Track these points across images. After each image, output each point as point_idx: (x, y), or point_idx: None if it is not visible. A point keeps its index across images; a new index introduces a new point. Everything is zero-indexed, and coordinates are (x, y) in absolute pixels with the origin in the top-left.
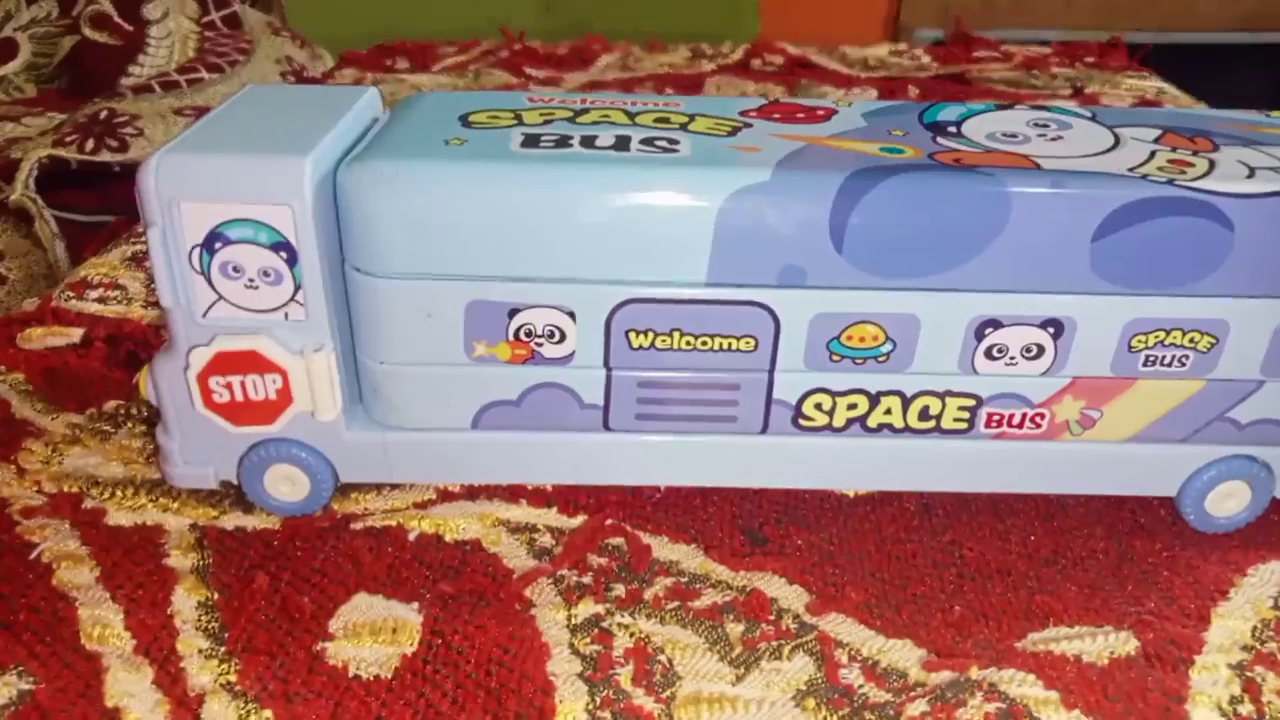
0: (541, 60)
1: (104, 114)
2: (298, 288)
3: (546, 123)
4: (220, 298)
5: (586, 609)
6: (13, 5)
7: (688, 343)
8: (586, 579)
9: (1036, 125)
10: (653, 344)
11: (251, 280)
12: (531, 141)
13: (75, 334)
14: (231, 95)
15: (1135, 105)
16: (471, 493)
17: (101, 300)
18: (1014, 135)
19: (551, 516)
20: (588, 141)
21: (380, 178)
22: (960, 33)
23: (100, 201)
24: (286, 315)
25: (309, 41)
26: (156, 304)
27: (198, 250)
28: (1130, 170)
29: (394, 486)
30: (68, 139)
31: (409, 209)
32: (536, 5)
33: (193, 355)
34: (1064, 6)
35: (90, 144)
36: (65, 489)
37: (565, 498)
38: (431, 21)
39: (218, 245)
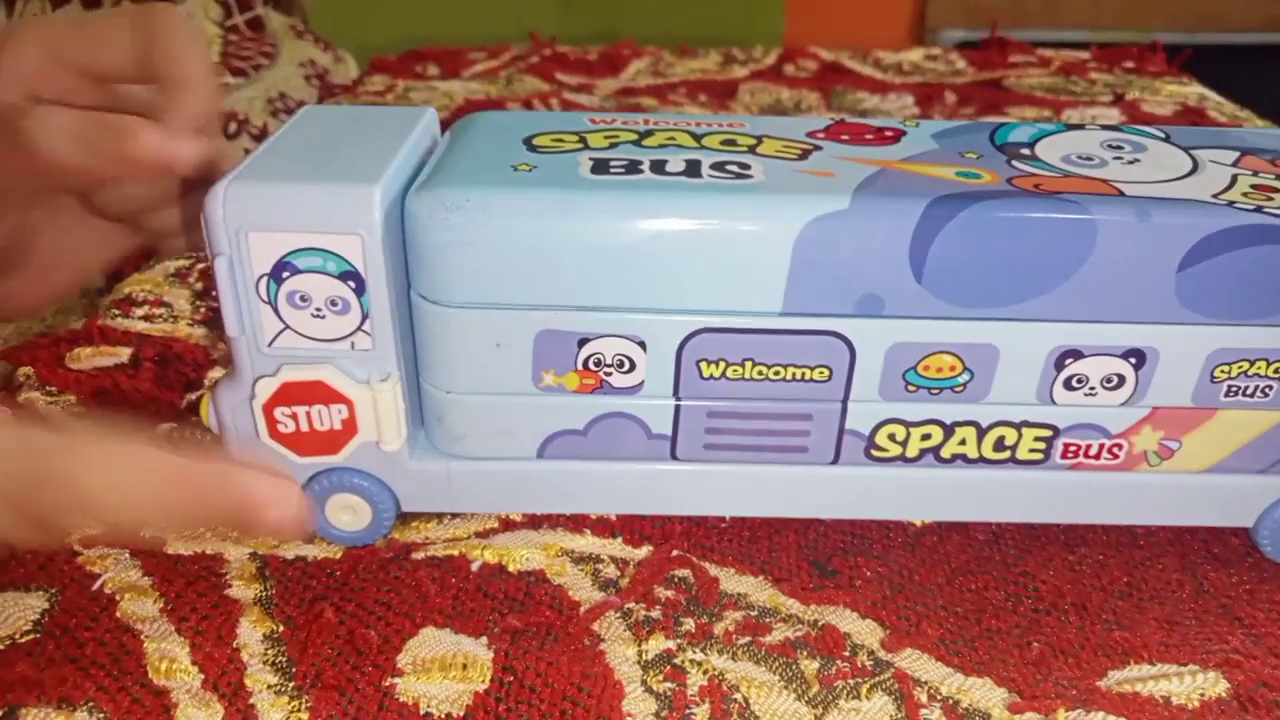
0: (572, 66)
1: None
2: (365, 316)
3: (612, 146)
4: (287, 327)
5: (657, 644)
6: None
7: (760, 372)
8: (655, 613)
9: (1111, 147)
10: (724, 374)
11: (319, 309)
12: (601, 167)
13: (124, 354)
14: (255, 98)
15: (1177, 112)
16: (534, 522)
17: (148, 318)
18: (1090, 158)
19: (616, 547)
20: (658, 166)
21: (451, 206)
22: (995, 37)
23: None
24: (353, 344)
25: (331, 44)
26: (203, 322)
27: (265, 279)
28: (1215, 197)
29: (455, 515)
30: None
31: (480, 237)
32: (555, 3)
33: (259, 386)
34: (1092, 6)
35: None
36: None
37: (630, 527)
38: (454, 24)
39: (285, 274)
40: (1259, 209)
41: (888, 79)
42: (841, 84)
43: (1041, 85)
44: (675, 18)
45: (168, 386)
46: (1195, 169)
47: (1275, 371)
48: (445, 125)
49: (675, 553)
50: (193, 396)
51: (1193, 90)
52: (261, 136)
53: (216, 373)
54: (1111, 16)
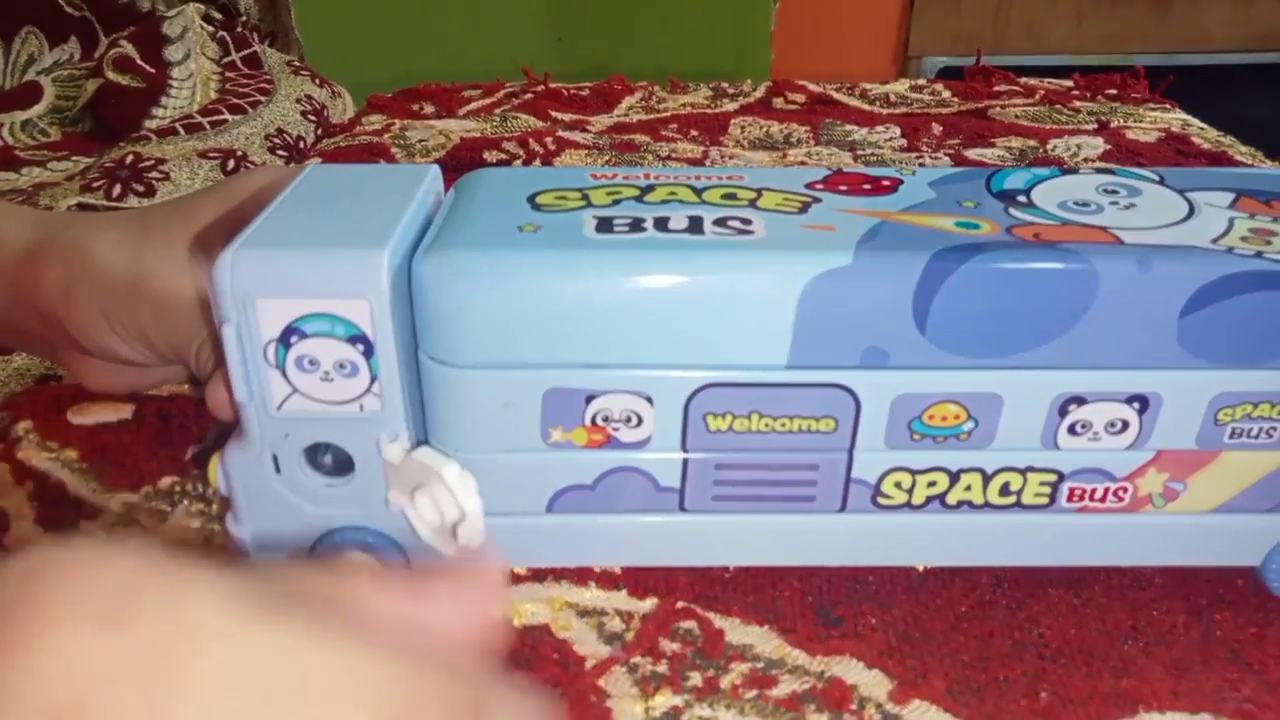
0: (566, 103)
1: (129, 158)
2: (374, 379)
3: (615, 203)
4: (295, 391)
5: (665, 700)
6: (36, 48)
7: (766, 424)
8: (661, 667)
9: (1106, 191)
10: (731, 426)
11: (327, 373)
12: (605, 226)
13: (127, 410)
14: (254, 135)
15: (1161, 139)
16: (539, 575)
17: None
18: (1086, 204)
19: (621, 599)
20: (661, 224)
21: (459, 269)
22: (979, 66)
23: None
24: (362, 406)
25: (327, 80)
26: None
27: (273, 345)
28: (1214, 242)
29: None
30: (95, 184)
31: (488, 300)
32: (547, 38)
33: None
34: (1074, 30)
35: (117, 189)
36: None
37: (634, 579)
38: (448, 58)
39: (293, 339)
40: (1259, 254)
41: (875, 110)
42: (830, 116)
43: (1026, 114)
44: (665, 48)
45: (169, 443)
46: (1191, 212)
47: (1279, 413)
48: (444, 164)
49: (680, 604)
50: (194, 449)
51: (1175, 116)
52: None
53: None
54: (1093, 41)
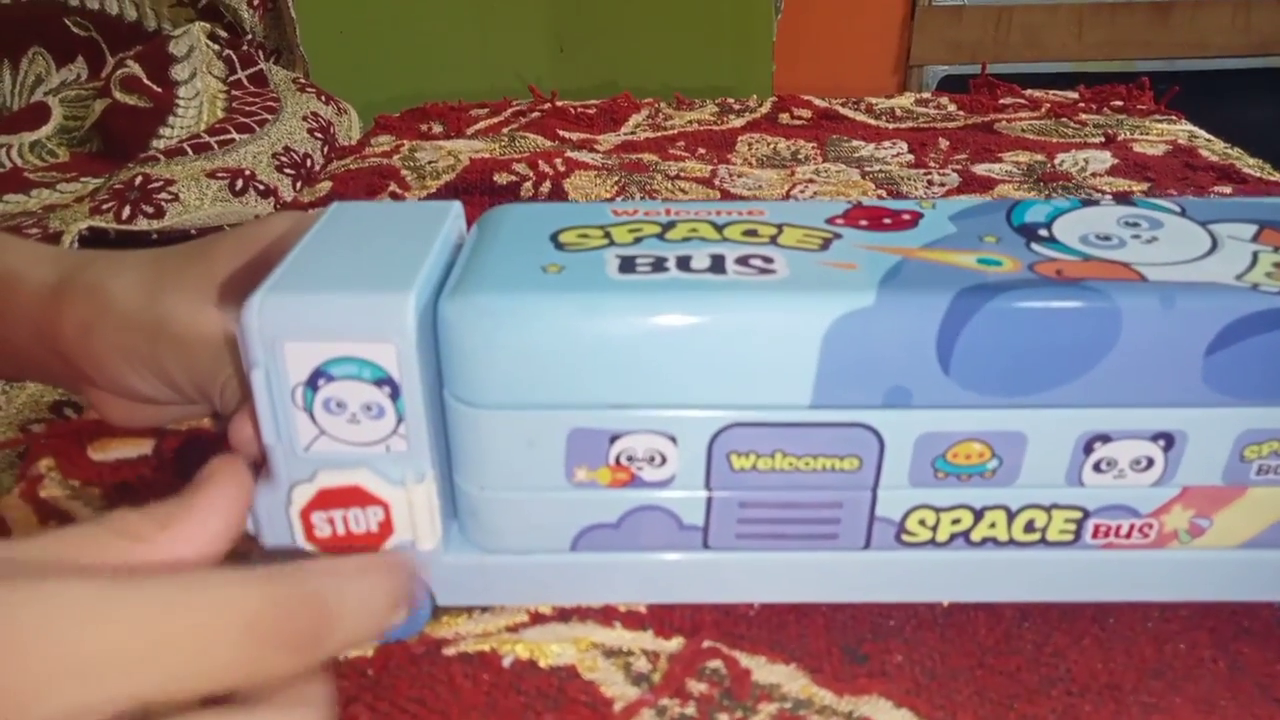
0: (573, 122)
1: (139, 179)
2: (400, 420)
3: (637, 241)
4: (322, 433)
5: None
6: (44, 69)
7: (790, 463)
8: (690, 709)
9: (1128, 224)
10: (754, 465)
11: (354, 415)
12: (628, 265)
13: (147, 445)
14: (261, 154)
15: (1168, 151)
16: (564, 615)
17: None
18: (1108, 238)
19: (647, 639)
20: (683, 263)
21: (484, 312)
22: (984, 78)
23: None
24: (388, 448)
25: (333, 97)
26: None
27: (300, 388)
28: (1238, 278)
29: (485, 609)
30: (104, 206)
31: (513, 342)
32: (550, 48)
33: (295, 492)
34: (1075, 39)
35: (127, 211)
36: None
37: (660, 619)
38: (453, 74)
39: (321, 382)
40: None
41: (881, 125)
42: (836, 132)
43: (1033, 128)
44: (668, 58)
45: (190, 478)
46: (1214, 246)
47: None
48: (454, 187)
49: (706, 643)
50: None
51: (1182, 129)
52: (268, 193)
53: None
54: (1094, 48)
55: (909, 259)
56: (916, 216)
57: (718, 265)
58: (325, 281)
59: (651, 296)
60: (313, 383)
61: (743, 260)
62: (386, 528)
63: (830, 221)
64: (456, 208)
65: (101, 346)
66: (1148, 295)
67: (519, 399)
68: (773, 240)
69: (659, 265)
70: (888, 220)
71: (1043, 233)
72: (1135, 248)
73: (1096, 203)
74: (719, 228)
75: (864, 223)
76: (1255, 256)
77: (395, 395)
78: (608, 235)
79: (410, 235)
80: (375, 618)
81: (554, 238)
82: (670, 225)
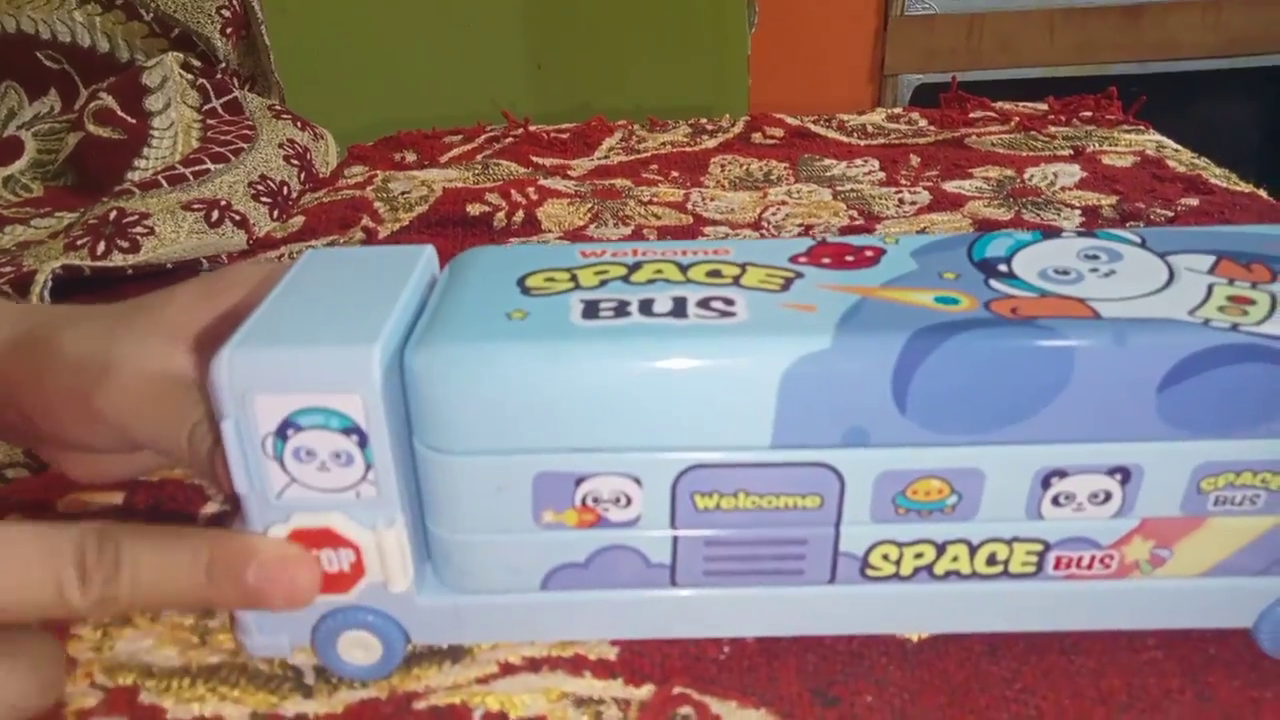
0: (546, 147)
1: (113, 214)
2: (369, 467)
3: (603, 284)
4: (293, 480)
5: None
6: (16, 103)
7: (753, 502)
8: None
9: (1087, 257)
10: (718, 505)
11: (324, 463)
12: (591, 310)
13: (117, 497)
14: (237, 183)
15: (1137, 163)
16: (534, 665)
17: None
18: (1066, 272)
19: (617, 688)
20: (646, 307)
21: (448, 362)
22: (955, 93)
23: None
24: (358, 494)
25: (309, 123)
26: None
27: (270, 438)
28: (1191, 313)
29: (454, 661)
30: (79, 242)
31: (478, 390)
32: (528, 69)
33: (270, 533)
34: (1047, 43)
35: (101, 246)
36: (120, 682)
37: (630, 667)
38: (427, 98)
39: (290, 432)
40: (1234, 327)
41: (853, 143)
42: (808, 151)
43: (1003, 142)
44: (644, 73)
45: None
46: (1171, 279)
47: (1262, 481)
48: (427, 219)
49: (676, 689)
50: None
51: (1150, 139)
52: (243, 223)
53: (211, 508)
54: (1066, 52)
55: (868, 298)
56: (879, 253)
57: (679, 309)
58: (293, 334)
59: (612, 343)
60: (282, 432)
61: (704, 303)
62: (358, 569)
63: (794, 260)
64: (429, 252)
65: (53, 392)
66: (1100, 333)
67: (485, 445)
68: (735, 281)
69: (621, 310)
70: (850, 258)
71: (1002, 268)
72: (1092, 282)
73: (1058, 234)
74: (684, 268)
75: (826, 260)
76: (1210, 289)
77: (364, 443)
78: (574, 278)
79: (380, 283)
80: (160, 587)
81: (521, 282)
82: (636, 267)
